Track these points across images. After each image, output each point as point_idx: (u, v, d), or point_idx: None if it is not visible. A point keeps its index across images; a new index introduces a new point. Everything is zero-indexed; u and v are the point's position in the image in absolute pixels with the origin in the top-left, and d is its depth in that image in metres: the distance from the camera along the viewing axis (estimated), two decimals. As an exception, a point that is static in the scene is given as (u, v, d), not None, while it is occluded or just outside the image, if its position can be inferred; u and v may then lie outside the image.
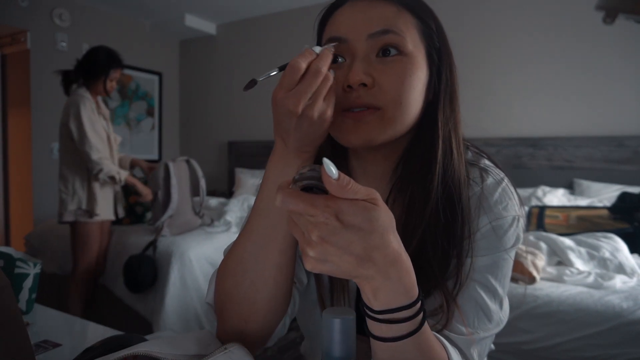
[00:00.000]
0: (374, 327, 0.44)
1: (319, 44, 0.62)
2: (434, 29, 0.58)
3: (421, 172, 0.57)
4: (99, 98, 2.38)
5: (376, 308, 0.42)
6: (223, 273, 0.58)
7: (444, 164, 0.57)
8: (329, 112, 0.50)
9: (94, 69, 2.27)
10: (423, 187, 0.57)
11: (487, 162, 0.62)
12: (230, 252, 0.58)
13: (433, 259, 0.55)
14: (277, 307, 0.57)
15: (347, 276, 0.39)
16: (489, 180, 0.59)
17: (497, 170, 0.61)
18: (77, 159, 2.28)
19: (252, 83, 0.52)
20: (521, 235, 0.58)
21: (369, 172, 0.63)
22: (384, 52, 0.54)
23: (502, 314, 0.58)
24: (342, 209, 0.36)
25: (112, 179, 2.30)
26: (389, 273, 0.39)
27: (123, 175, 2.33)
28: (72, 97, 2.28)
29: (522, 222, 0.59)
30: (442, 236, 0.55)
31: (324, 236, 0.36)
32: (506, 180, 0.60)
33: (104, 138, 2.32)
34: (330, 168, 0.35)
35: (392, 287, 0.40)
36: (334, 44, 0.55)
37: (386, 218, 0.38)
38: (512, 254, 0.59)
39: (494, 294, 0.57)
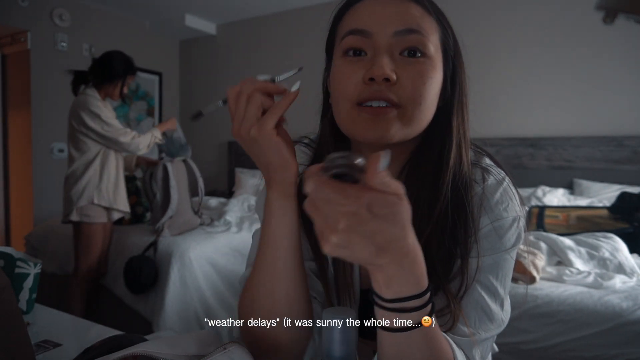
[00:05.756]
0: (383, 317, 0.44)
1: (331, 37, 0.62)
2: (451, 37, 0.59)
3: (431, 176, 0.58)
4: (107, 100, 2.41)
5: (387, 297, 0.43)
6: (242, 313, 0.60)
7: (454, 169, 0.58)
8: (254, 132, 0.51)
9: (110, 73, 2.30)
10: (432, 190, 0.57)
11: (488, 161, 0.62)
12: (244, 292, 0.60)
13: (437, 260, 0.55)
14: (300, 337, 0.58)
15: (361, 262, 0.40)
16: (490, 180, 0.59)
17: (498, 170, 0.61)
18: (91, 155, 2.30)
19: (199, 115, 0.55)
20: (522, 235, 0.59)
21: None
22: (409, 52, 0.54)
23: (503, 314, 0.58)
24: (373, 200, 0.36)
25: (156, 144, 2.49)
26: (402, 262, 0.40)
27: (157, 133, 2.48)
28: (82, 97, 2.30)
29: (523, 222, 0.59)
30: (448, 238, 0.56)
31: (352, 225, 0.36)
32: (507, 179, 0.60)
33: None
34: (383, 161, 0.36)
35: (404, 276, 0.41)
36: (294, 71, 0.56)
37: (408, 212, 0.39)
38: (513, 254, 0.59)
39: (495, 294, 0.57)
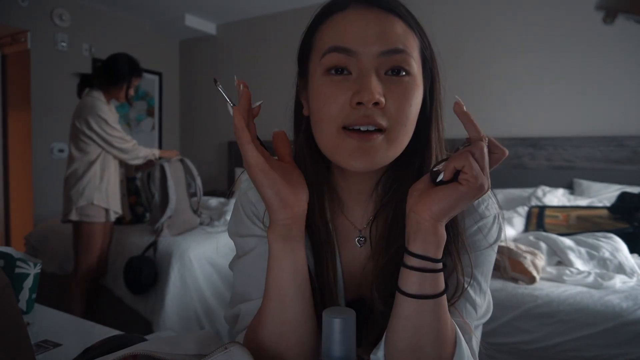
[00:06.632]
0: (423, 282, 0.50)
1: (305, 47, 0.60)
2: (428, 48, 0.58)
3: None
4: (112, 102, 2.44)
5: (438, 256, 0.51)
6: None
7: None
8: (248, 171, 0.52)
9: (115, 75, 2.32)
10: None
11: None
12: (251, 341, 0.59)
13: None
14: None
15: (464, 206, 0.50)
16: None
17: None
18: (92, 156, 2.32)
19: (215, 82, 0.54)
20: (503, 229, 0.62)
21: (352, 189, 0.63)
22: (394, 71, 0.53)
23: (485, 305, 0.62)
24: None
25: (150, 161, 2.52)
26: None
27: (157, 153, 2.55)
28: (88, 99, 2.31)
29: (501, 217, 0.62)
30: None
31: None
32: None
33: None
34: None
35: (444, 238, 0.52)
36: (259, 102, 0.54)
37: None
38: (496, 249, 0.62)
39: (479, 287, 0.60)
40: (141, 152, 2.46)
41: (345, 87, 0.52)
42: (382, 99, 0.51)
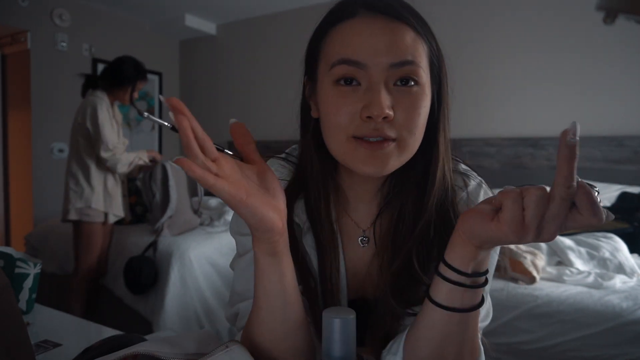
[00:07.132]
0: (463, 295, 0.49)
1: (313, 51, 0.60)
2: (436, 51, 0.58)
3: (416, 190, 0.59)
4: (115, 104, 2.44)
5: (482, 270, 0.49)
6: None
7: (439, 183, 0.59)
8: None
9: (120, 78, 2.32)
10: (417, 204, 0.59)
11: (463, 166, 0.65)
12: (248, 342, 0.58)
13: (421, 269, 0.57)
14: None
15: (504, 240, 0.44)
16: (471, 184, 0.63)
17: (474, 174, 0.65)
18: (91, 157, 2.31)
19: (141, 113, 0.44)
20: None
21: (359, 188, 0.64)
22: (402, 81, 0.53)
23: (487, 307, 0.62)
24: None
25: (140, 166, 2.46)
26: None
27: (144, 156, 2.48)
28: (90, 98, 2.32)
29: None
30: (435, 247, 0.58)
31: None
32: (483, 181, 0.64)
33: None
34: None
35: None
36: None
37: None
38: (498, 250, 0.63)
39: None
40: (123, 160, 2.33)
41: (354, 98, 0.53)
42: (391, 113, 0.51)
